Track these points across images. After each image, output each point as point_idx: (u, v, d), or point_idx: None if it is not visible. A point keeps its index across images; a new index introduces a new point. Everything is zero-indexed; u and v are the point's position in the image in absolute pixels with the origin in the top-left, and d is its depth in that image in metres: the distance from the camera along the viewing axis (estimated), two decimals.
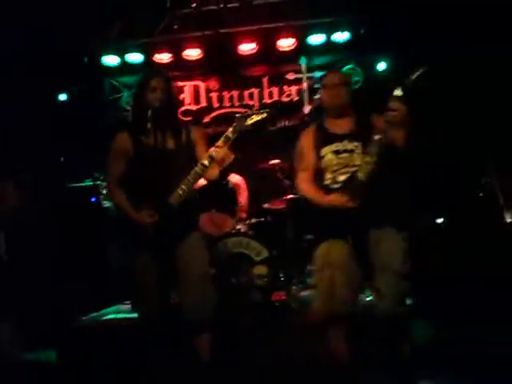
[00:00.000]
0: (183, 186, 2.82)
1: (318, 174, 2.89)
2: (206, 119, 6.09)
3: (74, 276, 4.52)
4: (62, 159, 5.51)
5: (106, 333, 3.73)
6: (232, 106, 6.08)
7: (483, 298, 3.45)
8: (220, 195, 4.73)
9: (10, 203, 2.96)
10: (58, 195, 5.08)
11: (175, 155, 2.91)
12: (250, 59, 5.95)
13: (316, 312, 2.75)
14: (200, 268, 2.88)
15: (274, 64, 6.07)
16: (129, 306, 4.23)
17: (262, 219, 4.66)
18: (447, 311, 3.35)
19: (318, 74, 5.56)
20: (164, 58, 5.84)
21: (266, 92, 6.07)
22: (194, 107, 6.15)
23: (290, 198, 4.39)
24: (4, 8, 4.41)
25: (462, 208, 4.55)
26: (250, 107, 5.86)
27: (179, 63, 5.91)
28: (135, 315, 3.11)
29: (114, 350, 3.31)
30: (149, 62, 5.82)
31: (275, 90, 6.05)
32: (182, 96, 6.10)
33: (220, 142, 2.82)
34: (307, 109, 5.36)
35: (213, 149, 2.83)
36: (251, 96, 6.08)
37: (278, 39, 5.72)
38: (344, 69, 5.85)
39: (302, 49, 5.78)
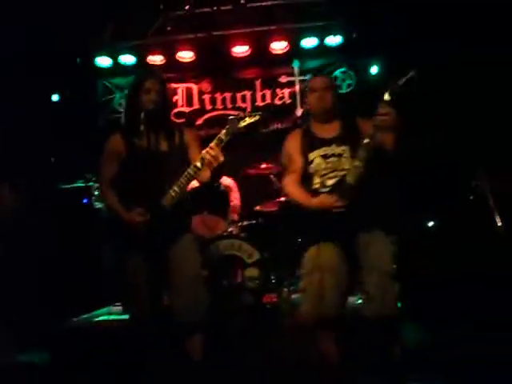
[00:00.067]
0: (176, 188, 2.82)
1: (306, 179, 2.89)
2: (199, 121, 6.10)
3: (66, 277, 4.50)
4: (53, 160, 5.49)
5: (97, 334, 3.72)
6: (225, 109, 6.09)
7: (473, 300, 3.46)
8: (212, 197, 4.74)
9: (6, 205, 2.96)
10: (50, 196, 5.06)
11: (168, 157, 2.92)
12: (243, 62, 5.97)
13: (305, 315, 2.76)
14: (192, 270, 2.88)
15: (267, 67, 6.10)
16: (120, 308, 4.23)
17: (254, 221, 4.67)
18: (437, 314, 3.36)
19: (310, 77, 5.58)
20: (157, 59, 5.85)
21: (259, 94, 6.09)
22: (186, 109, 6.16)
23: (282, 201, 4.41)
24: None
25: (452, 211, 4.57)
26: (242, 110, 5.88)
27: (172, 65, 5.92)
28: (127, 317, 3.11)
29: (105, 351, 3.30)
30: (141, 63, 5.83)
31: (268, 92, 6.07)
32: (175, 98, 6.11)
33: (213, 144, 2.83)
34: (300, 112, 5.38)
35: (205, 151, 2.84)
36: (244, 98, 6.10)
37: (271, 42, 5.75)
38: (336, 72, 5.89)
39: (295, 52, 5.81)
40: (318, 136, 2.94)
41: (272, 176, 4.65)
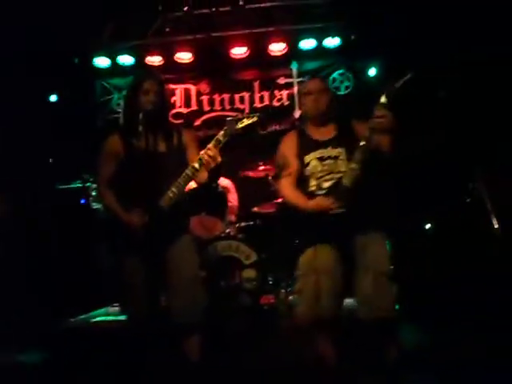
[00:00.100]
0: (174, 189, 2.82)
1: (302, 181, 2.89)
2: (197, 122, 6.10)
3: (64, 278, 4.50)
4: (51, 160, 5.49)
5: (94, 335, 3.72)
6: (223, 110, 6.10)
7: (470, 302, 3.47)
8: (210, 198, 4.73)
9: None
10: (48, 197, 5.05)
11: (166, 158, 2.92)
12: (242, 63, 5.98)
13: (301, 316, 2.76)
14: (190, 271, 2.88)
15: (265, 68, 6.11)
16: (118, 308, 4.22)
17: (252, 223, 4.68)
18: (435, 316, 3.37)
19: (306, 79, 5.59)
20: (155, 60, 5.86)
21: (257, 96, 6.10)
22: (184, 110, 6.17)
23: (280, 202, 4.41)
24: None
25: (450, 213, 4.57)
26: (240, 111, 5.89)
27: (170, 66, 5.92)
28: (124, 317, 3.11)
29: (102, 352, 3.29)
30: (140, 64, 5.83)
31: (266, 94, 6.08)
32: (173, 99, 6.11)
33: (211, 145, 2.83)
34: (298, 113, 5.39)
35: (203, 152, 2.84)
36: (242, 100, 6.11)
37: (270, 44, 5.76)
38: (335, 74, 5.90)
39: (293, 54, 5.83)
40: (313, 138, 2.94)
41: (270, 177, 4.66)
